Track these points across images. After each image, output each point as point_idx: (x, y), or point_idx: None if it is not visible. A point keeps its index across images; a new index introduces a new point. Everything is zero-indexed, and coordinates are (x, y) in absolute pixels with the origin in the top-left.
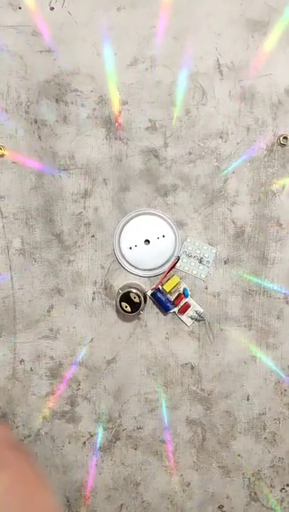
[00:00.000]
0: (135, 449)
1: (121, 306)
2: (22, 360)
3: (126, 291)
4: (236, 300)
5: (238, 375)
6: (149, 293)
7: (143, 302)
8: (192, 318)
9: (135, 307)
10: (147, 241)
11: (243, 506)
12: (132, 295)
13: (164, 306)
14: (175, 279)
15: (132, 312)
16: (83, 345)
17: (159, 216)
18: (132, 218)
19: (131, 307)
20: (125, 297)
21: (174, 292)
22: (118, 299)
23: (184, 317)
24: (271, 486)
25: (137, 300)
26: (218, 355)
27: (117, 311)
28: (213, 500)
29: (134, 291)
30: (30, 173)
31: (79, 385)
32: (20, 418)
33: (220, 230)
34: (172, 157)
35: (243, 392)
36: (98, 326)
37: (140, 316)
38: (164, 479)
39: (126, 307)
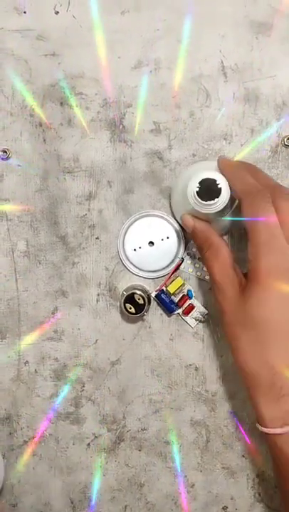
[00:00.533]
0: (139, 451)
1: (125, 307)
2: (26, 362)
3: (130, 292)
4: None
5: None
6: (153, 294)
7: (147, 304)
8: (196, 320)
9: (139, 308)
10: (151, 243)
11: (247, 507)
12: (136, 296)
13: (168, 308)
14: (179, 281)
15: (136, 313)
16: (88, 347)
17: (163, 218)
18: (136, 220)
19: (135, 308)
20: (129, 299)
21: (178, 294)
22: (122, 301)
23: (188, 318)
24: (276, 486)
25: (141, 301)
26: (222, 356)
27: (121, 313)
28: (217, 502)
29: (138, 292)
30: (34, 176)
31: (83, 386)
32: (25, 419)
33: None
34: (176, 159)
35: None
36: (102, 328)
37: (144, 317)
38: (168, 480)
39: (130, 308)
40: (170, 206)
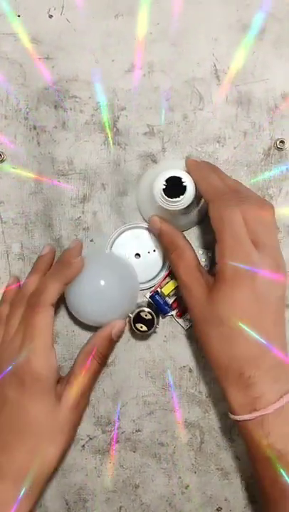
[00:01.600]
0: (134, 452)
1: (136, 327)
2: None
3: (136, 312)
4: None
5: None
6: (147, 296)
7: (156, 317)
8: (190, 322)
9: (150, 323)
10: (138, 255)
11: (241, 509)
12: (143, 314)
13: (161, 309)
14: (173, 283)
15: (148, 330)
16: None
17: (150, 230)
18: (124, 231)
19: (146, 326)
20: (138, 318)
21: (172, 296)
22: (132, 322)
23: (181, 321)
24: None
25: (149, 317)
26: None
27: (133, 334)
28: (211, 503)
29: (145, 309)
30: (29, 179)
31: None
32: None
33: None
34: None
35: None
36: (97, 330)
37: (156, 329)
38: (162, 482)
39: (142, 327)
40: (137, 204)
